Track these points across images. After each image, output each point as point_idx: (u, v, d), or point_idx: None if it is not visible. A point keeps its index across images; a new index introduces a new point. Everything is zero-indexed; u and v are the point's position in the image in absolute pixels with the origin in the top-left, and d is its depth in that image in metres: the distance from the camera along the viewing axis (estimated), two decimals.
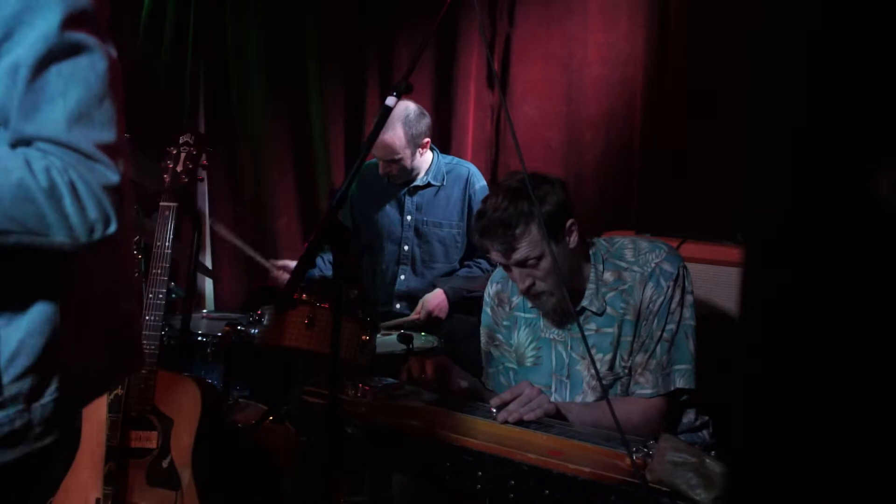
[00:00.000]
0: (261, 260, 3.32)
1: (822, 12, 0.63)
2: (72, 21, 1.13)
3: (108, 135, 1.15)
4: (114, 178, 1.14)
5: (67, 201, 1.09)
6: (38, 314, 1.18)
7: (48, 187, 1.08)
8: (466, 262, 3.47)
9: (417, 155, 3.36)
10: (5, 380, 1.15)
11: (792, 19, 0.65)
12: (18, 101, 1.11)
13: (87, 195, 1.11)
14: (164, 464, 2.32)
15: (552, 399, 2.19)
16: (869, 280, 0.62)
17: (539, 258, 2.06)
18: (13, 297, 1.17)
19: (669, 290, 2.08)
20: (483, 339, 2.40)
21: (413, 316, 3.29)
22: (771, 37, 0.67)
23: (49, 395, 1.20)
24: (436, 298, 3.30)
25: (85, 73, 1.14)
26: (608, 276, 2.16)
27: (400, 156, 3.29)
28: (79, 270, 1.24)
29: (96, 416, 2.29)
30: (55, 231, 1.10)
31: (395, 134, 3.25)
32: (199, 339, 2.99)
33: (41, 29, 1.11)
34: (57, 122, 1.11)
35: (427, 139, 3.38)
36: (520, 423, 1.92)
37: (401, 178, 3.40)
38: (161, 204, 2.46)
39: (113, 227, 1.14)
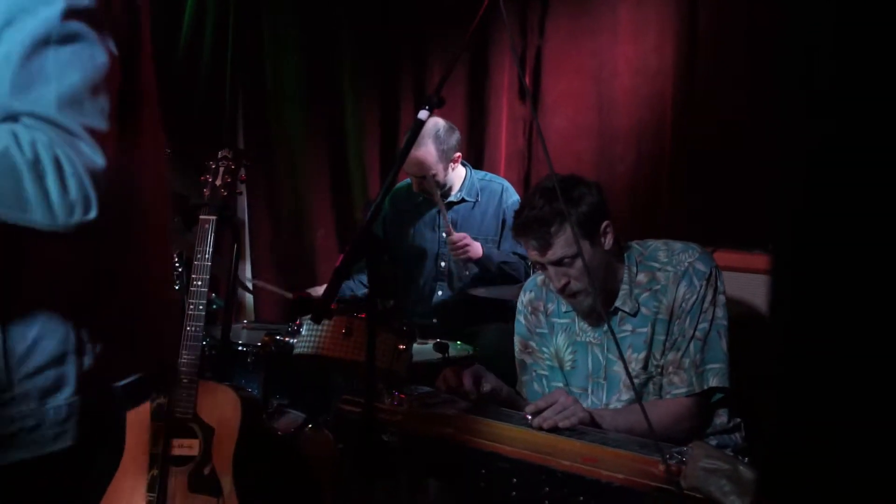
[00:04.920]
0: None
1: (844, 18, 0.64)
2: (73, 13, 1.13)
3: (99, 122, 1.13)
4: (98, 160, 1.11)
5: (50, 178, 1.07)
6: (55, 316, 1.19)
7: (32, 160, 1.06)
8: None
9: (450, 170, 3.41)
10: (17, 376, 1.16)
11: (813, 25, 0.66)
12: (12, 79, 1.10)
13: (71, 174, 1.08)
14: (206, 471, 2.37)
15: (589, 401, 2.22)
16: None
17: (574, 257, 2.09)
18: (30, 296, 1.18)
19: (702, 289, 2.11)
20: (517, 347, 2.43)
21: (449, 229, 3.29)
22: (792, 44, 0.68)
23: (64, 398, 1.20)
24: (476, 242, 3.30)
25: (83, 61, 1.13)
26: (641, 277, 2.19)
27: (433, 171, 3.33)
28: (109, 280, 1.25)
29: (140, 423, 2.35)
30: (33, 208, 1.08)
31: (427, 150, 3.30)
32: (240, 348, 3.05)
33: (42, 15, 1.11)
34: (48, 101, 1.09)
35: (458, 153, 3.42)
36: (554, 430, 1.94)
37: (430, 196, 3.42)
38: (201, 217, 2.52)
39: (93, 213, 1.10)
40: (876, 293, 0.63)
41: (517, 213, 2.18)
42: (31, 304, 1.18)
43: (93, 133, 1.12)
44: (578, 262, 2.09)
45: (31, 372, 1.17)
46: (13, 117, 1.10)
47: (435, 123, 3.34)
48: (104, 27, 1.17)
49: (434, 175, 3.34)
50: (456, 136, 3.41)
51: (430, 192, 3.37)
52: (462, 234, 3.27)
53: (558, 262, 2.11)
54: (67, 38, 1.12)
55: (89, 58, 1.14)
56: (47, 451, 1.21)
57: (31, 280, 1.18)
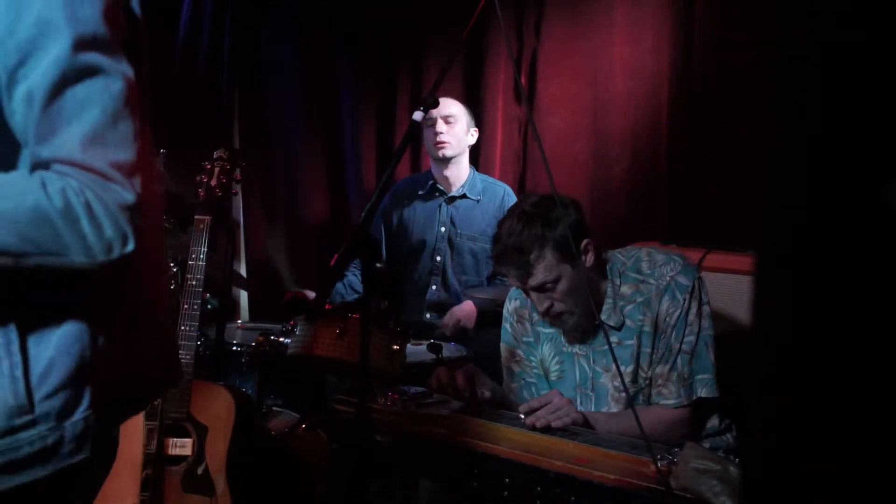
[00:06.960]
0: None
1: (837, 27, 0.65)
2: (83, 44, 1.14)
3: (124, 154, 1.15)
4: (129, 197, 1.13)
5: (84, 221, 1.10)
6: (68, 332, 1.19)
7: (63, 208, 1.09)
8: (495, 281, 3.50)
9: (469, 134, 3.51)
10: (37, 397, 1.16)
11: (808, 36, 0.66)
12: (35, 127, 1.12)
13: (104, 215, 1.11)
14: (199, 471, 2.37)
15: None
16: (879, 287, 0.63)
17: (556, 281, 2.08)
18: (43, 315, 1.18)
19: (685, 302, 2.10)
20: (504, 354, 2.42)
21: (441, 326, 3.33)
22: (787, 54, 0.68)
23: (80, 413, 1.20)
24: (463, 309, 3.34)
25: (99, 94, 1.14)
26: (625, 289, 2.17)
27: (455, 118, 3.43)
28: (113, 287, 1.25)
29: (133, 423, 2.34)
30: (73, 251, 1.10)
31: (455, 101, 3.51)
32: (234, 348, 3.05)
33: (54, 53, 1.12)
34: (72, 144, 1.11)
35: (476, 130, 3.58)
36: (546, 430, 1.94)
37: (448, 152, 3.44)
38: (196, 217, 2.53)
39: (131, 246, 1.14)
40: (862, 295, 0.63)
41: (495, 240, 2.15)
42: (46, 325, 1.19)
43: (120, 167, 1.14)
44: (560, 286, 2.08)
45: (51, 392, 1.18)
46: (43, 165, 1.13)
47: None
48: (114, 50, 1.18)
49: (455, 123, 3.43)
50: (474, 124, 3.61)
51: (446, 141, 3.43)
52: (454, 319, 3.32)
53: (540, 288, 2.10)
54: (81, 74, 1.14)
55: (105, 89, 1.15)
56: (64, 466, 1.22)
57: (44, 301, 1.19)
